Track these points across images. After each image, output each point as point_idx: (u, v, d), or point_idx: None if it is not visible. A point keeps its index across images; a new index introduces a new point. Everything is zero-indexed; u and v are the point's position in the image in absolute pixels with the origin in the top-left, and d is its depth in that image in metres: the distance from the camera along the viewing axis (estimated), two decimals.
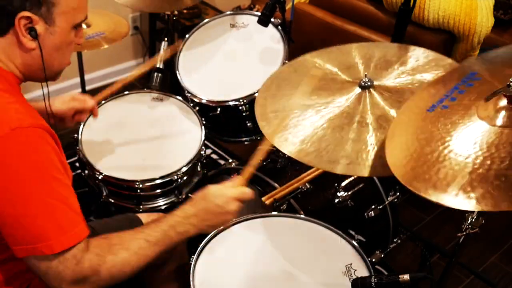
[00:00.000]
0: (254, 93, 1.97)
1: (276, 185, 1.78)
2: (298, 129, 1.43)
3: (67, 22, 1.19)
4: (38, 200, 1.11)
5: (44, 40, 1.18)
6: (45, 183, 1.12)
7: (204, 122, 2.01)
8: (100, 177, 1.82)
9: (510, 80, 1.09)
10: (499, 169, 0.99)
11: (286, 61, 1.98)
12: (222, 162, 2.75)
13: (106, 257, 1.18)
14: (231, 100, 2.01)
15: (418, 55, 1.59)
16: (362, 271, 1.42)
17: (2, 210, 1.10)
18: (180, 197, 1.90)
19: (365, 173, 1.32)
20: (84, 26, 2.19)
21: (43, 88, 1.30)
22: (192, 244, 1.54)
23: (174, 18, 2.55)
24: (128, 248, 1.21)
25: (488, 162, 1.02)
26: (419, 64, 1.55)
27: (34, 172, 1.11)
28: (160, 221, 1.29)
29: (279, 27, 2.11)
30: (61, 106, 1.68)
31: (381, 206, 1.81)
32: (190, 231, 1.30)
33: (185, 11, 3.23)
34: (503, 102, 1.10)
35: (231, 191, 1.36)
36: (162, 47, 2.33)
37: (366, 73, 1.52)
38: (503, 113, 1.09)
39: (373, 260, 1.76)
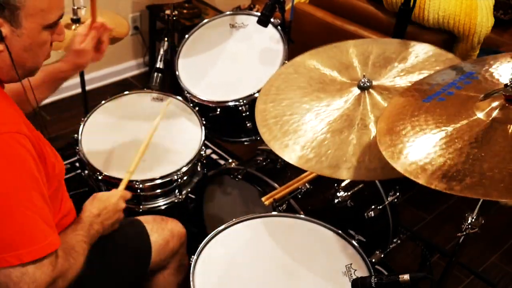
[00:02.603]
0: (254, 93, 1.97)
1: (276, 185, 1.78)
2: (298, 134, 1.43)
3: (35, 24, 1.15)
4: (13, 209, 1.09)
5: (11, 42, 1.14)
6: (20, 192, 1.10)
7: (204, 122, 2.01)
8: (100, 177, 1.82)
9: (509, 80, 1.10)
10: (492, 162, 1.02)
11: (286, 62, 1.98)
12: (222, 162, 2.75)
13: (70, 261, 1.22)
14: (231, 101, 2.01)
15: (418, 51, 1.58)
16: (362, 271, 1.42)
17: None
18: (180, 197, 1.90)
19: (367, 176, 1.31)
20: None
21: (23, 86, 1.26)
22: (192, 244, 1.55)
23: (174, 18, 2.55)
24: (79, 251, 1.27)
25: (483, 154, 1.04)
26: (419, 61, 1.54)
27: (10, 181, 1.09)
28: (82, 222, 1.36)
29: (279, 27, 2.11)
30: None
31: (381, 206, 1.81)
32: (100, 230, 1.39)
33: (185, 11, 3.23)
34: (501, 100, 1.12)
35: (116, 192, 1.50)
36: (162, 47, 2.33)
37: (364, 74, 1.51)
38: (498, 110, 1.12)
39: (373, 260, 1.76)
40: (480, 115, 1.13)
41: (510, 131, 1.08)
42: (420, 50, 1.58)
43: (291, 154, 1.39)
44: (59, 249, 1.18)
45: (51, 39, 1.21)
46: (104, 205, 1.43)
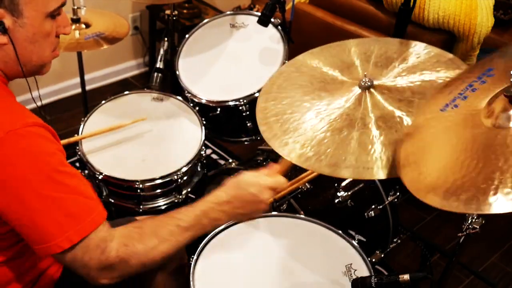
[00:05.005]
0: (254, 93, 1.97)
1: None
2: (299, 132, 1.43)
3: (37, 12, 1.12)
4: (43, 198, 1.09)
5: (14, 34, 1.11)
6: (47, 179, 1.10)
7: (204, 122, 2.01)
8: (100, 177, 1.82)
9: (511, 80, 1.09)
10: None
11: (286, 61, 1.98)
12: (222, 162, 2.75)
13: (135, 247, 1.17)
14: (231, 100, 2.01)
15: (419, 51, 1.58)
16: (362, 271, 1.42)
17: (15, 214, 1.10)
18: (180, 197, 1.90)
19: (366, 175, 1.31)
20: (83, 26, 2.20)
21: (36, 83, 1.26)
22: (192, 244, 1.54)
23: (174, 18, 2.56)
24: (160, 236, 1.20)
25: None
26: (420, 61, 1.54)
27: (34, 171, 1.09)
28: (192, 206, 1.27)
29: (279, 27, 2.11)
30: None
31: (381, 206, 1.81)
32: (222, 219, 1.30)
33: (185, 11, 3.23)
34: (506, 103, 1.08)
35: (265, 179, 1.33)
36: (162, 47, 2.33)
37: (365, 73, 1.51)
38: (507, 114, 1.07)
39: (373, 260, 1.76)
40: (485, 120, 1.08)
41: None
42: (422, 51, 1.58)
43: (290, 152, 1.39)
44: (119, 234, 1.16)
45: (57, 31, 1.19)
46: (240, 194, 1.30)
